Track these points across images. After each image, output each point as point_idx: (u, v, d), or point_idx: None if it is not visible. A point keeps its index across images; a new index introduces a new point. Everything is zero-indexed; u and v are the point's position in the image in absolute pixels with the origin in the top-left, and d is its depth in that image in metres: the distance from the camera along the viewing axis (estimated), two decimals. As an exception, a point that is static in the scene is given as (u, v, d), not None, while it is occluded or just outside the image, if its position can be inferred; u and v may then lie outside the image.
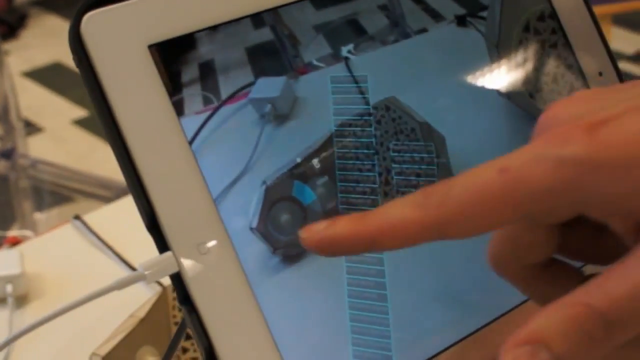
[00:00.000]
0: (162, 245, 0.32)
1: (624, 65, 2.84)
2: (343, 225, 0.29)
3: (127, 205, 1.04)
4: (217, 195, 0.33)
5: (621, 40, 2.93)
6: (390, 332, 0.35)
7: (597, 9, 1.54)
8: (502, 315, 0.37)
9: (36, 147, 2.26)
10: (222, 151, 0.34)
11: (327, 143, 0.36)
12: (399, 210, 0.29)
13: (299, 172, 0.35)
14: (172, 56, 0.33)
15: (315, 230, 0.29)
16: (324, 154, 0.36)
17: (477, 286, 0.37)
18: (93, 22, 0.32)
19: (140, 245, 0.91)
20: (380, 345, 0.35)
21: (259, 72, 0.35)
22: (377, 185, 0.37)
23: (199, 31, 0.34)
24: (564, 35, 0.43)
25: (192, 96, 0.34)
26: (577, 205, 0.28)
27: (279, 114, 0.35)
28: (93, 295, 0.33)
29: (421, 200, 0.29)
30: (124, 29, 0.32)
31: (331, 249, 0.29)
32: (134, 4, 0.33)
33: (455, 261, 0.37)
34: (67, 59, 2.78)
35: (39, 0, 3.46)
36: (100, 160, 2.46)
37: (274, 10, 0.36)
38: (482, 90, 0.40)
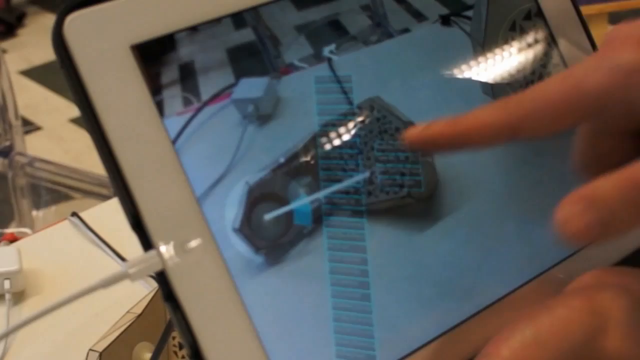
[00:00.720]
0: (146, 243, 0.32)
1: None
2: (439, 126, 0.35)
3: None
4: (201, 195, 0.33)
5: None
6: (374, 331, 0.36)
7: (593, 8, 1.55)
8: (480, 312, 0.38)
9: (34, 146, 2.27)
10: (205, 151, 0.34)
11: (311, 143, 0.36)
12: (485, 112, 0.35)
13: (282, 172, 0.35)
14: (154, 57, 0.33)
15: (415, 131, 0.36)
16: (307, 154, 0.36)
17: (457, 284, 0.38)
18: (75, 23, 0.32)
19: (136, 242, 0.92)
20: (363, 344, 0.35)
21: (241, 73, 0.36)
22: (361, 185, 0.37)
23: (180, 31, 0.34)
24: (551, 34, 0.43)
25: (174, 97, 0.34)
26: (629, 105, 0.34)
27: (261, 115, 0.36)
28: (78, 294, 0.34)
29: (503, 104, 0.35)
30: (106, 30, 0.32)
31: (429, 145, 0.36)
32: (115, 5, 0.33)
33: (436, 261, 0.38)
34: (65, 57, 2.80)
35: (36, -2, 3.47)
36: (98, 159, 2.46)
37: (255, 10, 0.36)
38: (467, 89, 0.41)
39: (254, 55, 0.36)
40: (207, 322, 0.32)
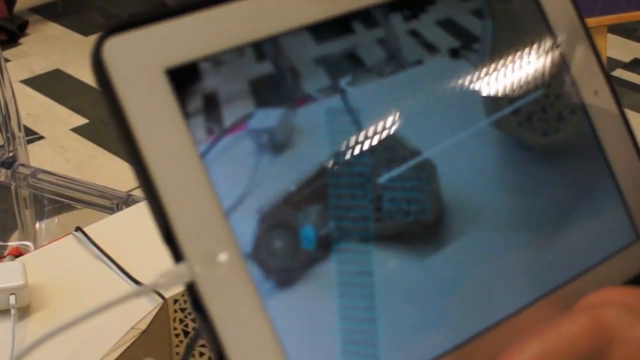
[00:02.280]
0: (177, 255, 0.33)
1: (619, 73, 2.85)
2: None
3: (127, 217, 1.05)
4: (228, 211, 0.35)
5: (617, 48, 2.95)
6: (380, 352, 0.37)
7: (593, 20, 1.56)
8: (486, 331, 0.39)
9: (35, 155, 2.27)
10: (226, 177, 0.36)
11: (321, 172, 0.37)
12: None
13: (293, 200, 0.36)
14: (185, 83, 0.35)
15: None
16: (317, 183, 0.37)
17: (462, 306, 0.39)
18: (114, 47, 0.34)
19: (140, 257, 0.93)
20: (373, 357, 0.37)
21: (260, 103, 0.37)
22: (369, 212, 0.38)
23: (212, 56, 0.36)
24: (561, 55, 0.44)
25: (199, 122, 0.36)
26: None
27: (276, 144, 0.37)
28: (106, 305, 0.35)
29: None
30: (142, 53, 0.34)
31: None
32: (152, 30, 0.35)
33: (442, 284, 0.39)
34: (67, 66, 2.79)
35: (39, 8, 3.47)
36: (100, 168, 2.47)
37: (276, 42, 0.38)
38: (472, 120, 0.42)
39: (273, 86, 0.38)
40: (233, 332, 0.34)
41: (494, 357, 0.35)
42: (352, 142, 0.38)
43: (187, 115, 0.35)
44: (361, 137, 0.39)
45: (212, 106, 0.36)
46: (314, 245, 0.37)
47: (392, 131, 0.39)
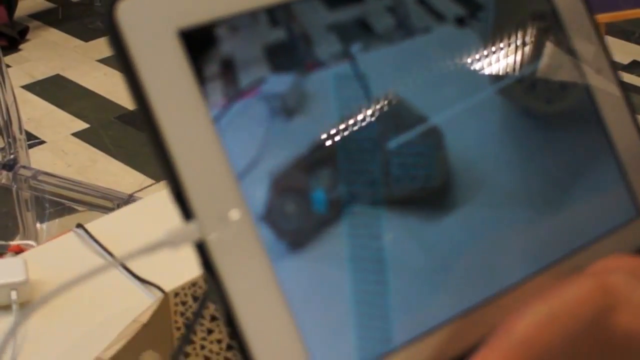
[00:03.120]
0: (187, 214, 0.34)
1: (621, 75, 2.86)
2: None
3: (128, 214, 1.06)
4: (239, 174, 0.36)
5: (616, 50, 2.95)
6: (389, 313, 0.37)
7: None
8: (494, 297, 0.39)
9: (37, 159, 2.28)
10: (238, 140, 0.36)
11: (331, 136, 0.38)
12: None
13: (304, 164, 0.37)
14: (197, 44, 0.36)
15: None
16: (328, 147, 0.38)
17: (471, 270, 0.40)
18: (127, 8, 0.34)
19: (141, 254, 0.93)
20: (380, 324, 0.37)
21: (273, 69, 0.38)
22: (377, 177, 0.39)
23: (223, 19, 0.37)
24: (563, 33, 0.44)
25: (211, 85, 0.36)
26: None
27: (287, 109, 0.38)
28: (117, 261, 0.36)
29: None
30: (155, 14, 0.35)
31: None
32: None
33: (450, 248, 0.40)
34: (67, 72, 2.79)
35: (39, 14, 3.48)
36: (101, 172, 2.48)
37: (289, 9, 0.38)
38: (479, 87, 0.42)
39: (286, 51, 0.38)
40: (242, 291, 0.34)
41: (499, 323, 0.36)
42: (360, 107, 0.39)
43: (199, 76, 0.35)
44: (369, 103, 0.39)
45: (224, 69, 0.36)
46: (325, 209, 0.37)
47: (399, 98, 0.40)
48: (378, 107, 0.39)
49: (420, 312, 0.38)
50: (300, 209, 0.37)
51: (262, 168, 0.36)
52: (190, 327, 0.50)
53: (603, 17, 1.54)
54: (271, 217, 0.36)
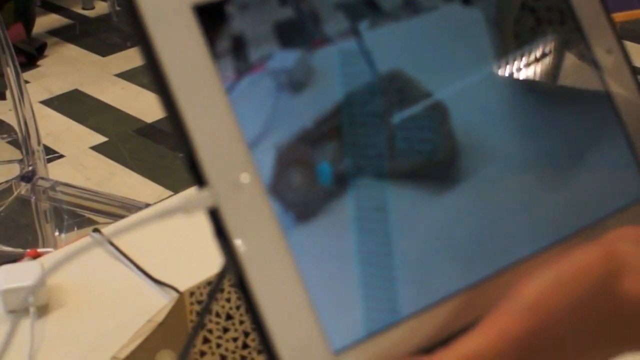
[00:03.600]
0: (200, 181, 0.35)
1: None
2: None
3: (144, 217, 1.06)
4: (250, 143, 0.37)
5: (631, 54, 2.94)
6: (397, 284, 0.38)
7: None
8: (500, 271, 0.40)
9: (56, 173, 2.29)
10: (252, 114, 0.37)
11: (337, 111, 0.39)
12: None
13: (310, 138, 0.38)
14: (210, 19, 0.37)
15: None
16: (333, 121, 0.39)
17: (476, 244, 0.40)
18: None
19: (156, 256, 0.93)
20: (387, 296, 0.38)
21: (281, 44, 0.39)
22: (383, 151, 0.39)
23: None
24: (572, 12, 0.45)
25: (225, 57, 0.37)
26: None
27: (294, 83, 0.38)
28: (133, 223, 0.36)
29: None
30: None
31: None
32: None
33: (455, 222, 0.40)
34: (85, 87, 2.81)
35: (57, 30, 3.51)
36: (119, 185, 2.49)
37: None
38: (483, 65, 0.43)
39: (294, 28, 0.39)
40: (254, 256, 0.35)
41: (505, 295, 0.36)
42: (366, 82, 0.40)
43: (212, 49, 0.37)
44: (375, 78, 0.40)
45: (236, 43, 0.38)
46: (331, 181, 0.38)
47: (404, 73, 0.40)
48: (383, 82, 0.40)
49: (427, 284, 0.38)
50: (306, 181, 0.37)
51: (271, 140, 0.37)
52: (202, 315, 0.50)
53: (618, 16, 1.54)
54: (278, 189, 0.36)
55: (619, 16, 1.54)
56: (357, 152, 0.39)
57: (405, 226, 0.39)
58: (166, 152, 2.66)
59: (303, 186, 0.37)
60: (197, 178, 0.35)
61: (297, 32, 0.39)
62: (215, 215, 0.35)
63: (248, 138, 0.36)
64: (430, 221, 0.39)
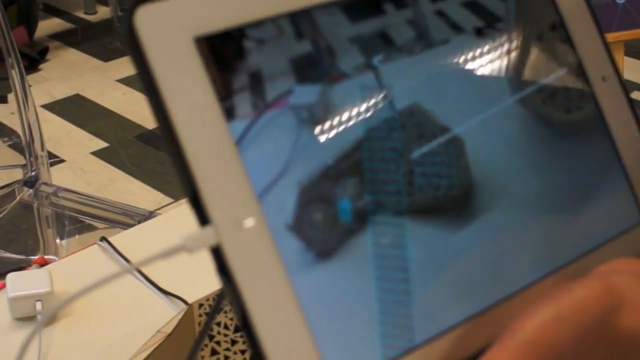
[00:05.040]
0: (203, 219, 0.34)
1: (636, 95, 2.85)
2: None
3: (151, 227, 1.06)
4: (256, 184, 0.36)
5: (634, 70, 2.95)
6: (414, 322, 0.38)
7: (610, 36, 1.56)
8: (507, 298, 0.40)
9: (57, 178, 2.29)
10: (263, 152, 0.36)
11: (357, 147, 0.39)
12: None
13: (330, 174, 0.37)
14: (217, 52, 0.36)
15: None
16: (353, 157, 0.38)
17: (487, 277, 0.40)
18: (145, 14, 0.35)
19: (164, 267, 0.93)
20: (404, 328, 0.38)
21: (298, 80, 0.38)
22: (402, 186, 0.39)
23: (241, 26, 0.37)
24: (571, 43, 0.45)
25: (230, 92, 0.36)
26: None
27: (314, 119, 0.38)
28: (140, 263, 0.36)
29: None
30: (172, 22, 0.35)
31: None
32: (181, 0, 0.36)
33: (471, 256, 0.40)
34: (87, 91, 2.81)
35: (59, 34, 3.51)
36: (120, 191, 2.49)
37: (314, 22, 0.39)
38: (498, 98, 0.43)
39: (311, 63, 0.39)
40: (257, 295, 0.34)
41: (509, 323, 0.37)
42: (384, 118, 0.40)
43: (215, 83, 0.36)
44: (393, 114, 0.40)
45: (239, 76, 0.37)
46: (351, 218, 0.38)
47: (421, 108, 0.41)
48: (402, 117, 0.40)
49: (436, 315, 0.38)
50: (327, 218, 0.37)
51: (285, 181, 0.37)
52: (207, 324, 0.50)
53: (623, 35, 1.54)
54: (298, 228, 0.36)
55: (624, 35, 1.55)
56: (377, 188, 0.38)
57: (420, 261, 0.39)
58: (166, 158, 2.66)
59: (324, 224, 0.37)
60: (200, 215, 0.34)
61: (313, 68, 0.38)
62: (217, 253, 0.34)
63: (252, 175, 0.36)
64: (445, 254, 0.39)
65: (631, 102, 0.47)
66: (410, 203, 0.39)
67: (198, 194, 0.34)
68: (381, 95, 0.40)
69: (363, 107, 0.39)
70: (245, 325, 0.34)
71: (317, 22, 0.39)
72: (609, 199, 0.45)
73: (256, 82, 0.37)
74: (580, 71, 0.45)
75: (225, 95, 0.36)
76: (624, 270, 0.38)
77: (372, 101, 0.39)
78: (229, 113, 0.36)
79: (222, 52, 0.36)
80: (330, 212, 0.37)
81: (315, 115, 0.38)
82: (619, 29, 1.56)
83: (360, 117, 0.39)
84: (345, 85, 0.39)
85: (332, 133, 0.38)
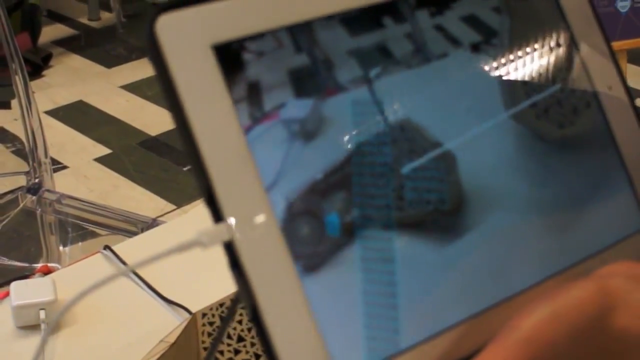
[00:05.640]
0: (217, 216, 0.36)
1: (639, 102, 2.85)
2: None
3: (155, 237, 1.06)
4: (268, 185, 0.38)
5: (637, 77, 2.95)
6: (400, 338, 0.39)
7: (613, 45, 1.57)
8: (504, 301, 0.41)
9: (60, 184, 2.29)
10: (272, 154, 0.38)
11: (346, 161, 0.39)
12: None
13: (319, 188, 0.38)
14: (233, 58, 0.38)
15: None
16: (343, 171, 0.39)
17: (477, 291, 0.40)
18: (166, 23, 0.37)
19: (167, 275, 0.94)
20: (390, 344, 0.39)
21: (295, 92, 0.39)
22: (391, 201, 0.40)
23: (257, 35, 0.39)
24: (577, 57, 0.45)
25: (244, 97, 0.38)
26: None
27: (306, 133, 0.39)
28: (150, 259, 0.38)
29: None
30: (191, 30, 0.37)
31: None
32: (200, 9, 0.38)
33: (460, 270, 0.40)
34: (90, 98, 2.81)
35: (62, 40, 3.52)
36: (122, 198, 2.49)
37: (313, 35, 0.40)
38: (492, 112, 0.43)
39: (308, 76, 0.40)
40: (266, 289, 0.36)
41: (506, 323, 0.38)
42: (375, 132, 0.40)
43: (231, 87, 0.37)
44: (384, 128, 0.40)
45: (254, 82, 0.38)
46: (339, 232, 0.38)
47: (414, 123, 0.41)
48: (394, 132, 0.41)
49: (427, 319, 0.39)
50: (314, 232, 0.38)
51: (284, 186, 0.38)
52: (217, 339, 0.50)
53: (626, 44, 1.54)
54: (286, 242, 0.37)
55: (627, 44, 1.55)
56: (366, 202, 0.39)
57: (410, 273, 0.39)
58: (170, 165, 2.66)
59: (311, 237, 0.38)
60: (215, 212, 0.36)
61: (311, 79, 0.40)
62: (230, 249, 0.36)
63: (264, 178, 0.37)
64: (434, 266, 0.40)
65: (637, 111, 0.47)
66: (400, 218, 0.40)
67: (213, 192, 0.36)
68: (374, 110, 0.40)
69: (355, 120, 0.40)
70: (255, 318, 0.36)
71: (317, 37, 0.40)
72: (612, 206, 0.45)
73: (268, 89, 0.39)
74: (586, 80, 0.45)
75: (240, 100, 0.38)
76: (620, 272, 0.40)
77: (365, 115, 0.40)
78: (243, 115, 0.37)
79: (238, 59, 0.38)
80: (318, 227, 0.38)
81: (307, 128, 0.39)
82: (621, 38, 1.56)
83: (352, 131, 0.40)
84: (340, 98, 0.40)
85: (324, 146, 0.39)
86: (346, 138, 0.39)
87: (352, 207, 0.39)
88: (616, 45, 1.56)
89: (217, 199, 0.36)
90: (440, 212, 0.41)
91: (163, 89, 0.36)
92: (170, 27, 0.37)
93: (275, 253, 0.37)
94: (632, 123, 0.47)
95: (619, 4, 1.57)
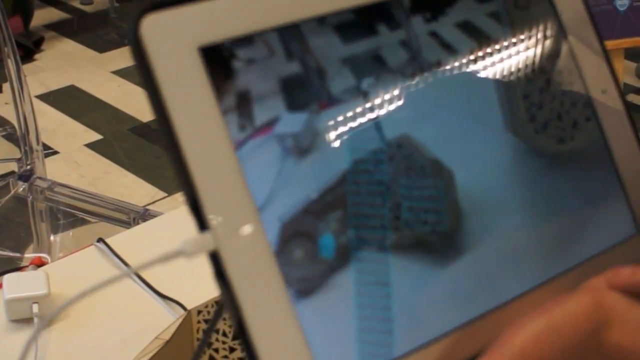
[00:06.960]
0: (202, 225, 0.35)
1: (632, 98, 2.86)
2: None
3: (148, 230, 1.06)
4: (258, 200, 0.37)
5: (630, 74, 2.96)
6: (394, 330, 0.38)
7: (611, 43, 1.57)
8: (499, 307, 0.41)
9: (50, 170, 2.28)
10: (262, 163, 0.37)
11: (342, 179, 0.38)
12: None
13: (313, 209, 0.37)
14: (219, 61, 0.37)
15: (622, 278, 0.39)
16: (337, 190, 0.38)
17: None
18: (151, 23, 0.35)
19: (160, 269, 0.93)
20: (383, 340, 0.38)
21: (287, 104, 0.38)
22: (387, 221, 0.39)
23: (245, 37, 0.37)
24: (576, 69, 0.45)
25: (231, 100, 0.37)
26: None
27: (300, 148, 0.38)
28: (136, 268, 0.36)
29: None
30: (177, 31, 0.36)
31: (636, 287, 0.39)
32: (186, 10, 0.36)
33: (457, 292, 0.40)
34: (81, 82, 2.79)
35: (54, 24, 3.50)
36: (113, 184, 2.48)
37: (305, 42, 0.39)
38: (490, 127, 0.42)
39: (301, 86, 0.39)
40: (252, 301, 0.35)
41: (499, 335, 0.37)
42: (371, 149, 0.39)
43: (217, 90, 0.36)
44: (381, 145, 0.39)
45: (241, 85, 0.37)
46: (333, 255, 0.38)
47: (411, 139, 0.40)
48: (391, 149, 0.39)
49: (420, 328, 0.39)
50: (307, 256, 0.37)
51: (275, 205, 0.37)
52: (208, 332, 0.50)
53: (624, 42, 1.54)
54: (279, 265, 0.36)
55: (625, 42, 1.55)
56: (361, 223, 0.38)
57: (406, 298, 0.39)
58: (161, 152, 2.65)
59: (304, 262, 0.37)
60: (199, 221, 0.35)
61: (303, 91, 0.38)
62: (215, 258, 0.35)
63: (253, 188, 0.36)
64: (432, 291, 0.40)
65: (631, 116, 0.47)
66: (396, 238, 0.39)
67: (198, 199, 0.35)
68: (370, 124, 0.39)
69: (350, 136, 0.39)
70: (241, 330, 0.35)
71: (309, 44, 0.39)
72: (605, 212, 0.45)
73: (256, 93, 0.37)
74: (580, 86, 0.45)
75: (226, 103, 0.36)
76: (616, 285, 0.40)
77: (360, 130, 0.39)
78: (230, 121, 0.36)
79: (225, 61, 0.37)
80: (312, 249, 0.37)
81: (301, 143, 0.38)
82: (619, 37, 1.56)
83: (347, 147, 0.39)
84: (334, 112, 0.39)
85: (318, 163, 0.38)
86: (341, 155, 0.38)
87: (346, 228, 0.38)
88: (614, 43, 1.56)
89: (202, 206, 0.35)
90: (437, 233, 0.40)
91: (148, 95, 0.35)
92: (155, 28, 0.35)
93: (261, 262, 0.36)
94: (626, 129, 0.47)
95: (618, 3, 1.57)
